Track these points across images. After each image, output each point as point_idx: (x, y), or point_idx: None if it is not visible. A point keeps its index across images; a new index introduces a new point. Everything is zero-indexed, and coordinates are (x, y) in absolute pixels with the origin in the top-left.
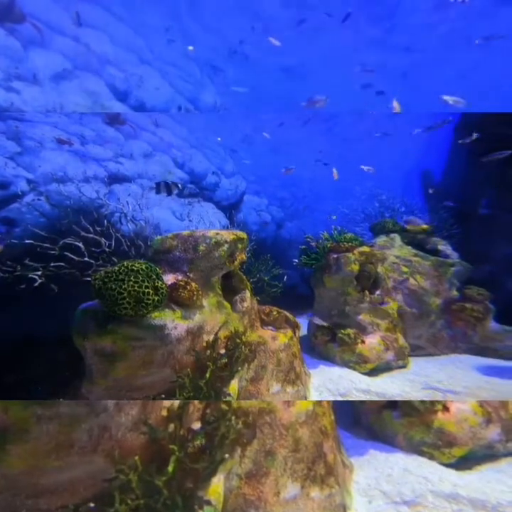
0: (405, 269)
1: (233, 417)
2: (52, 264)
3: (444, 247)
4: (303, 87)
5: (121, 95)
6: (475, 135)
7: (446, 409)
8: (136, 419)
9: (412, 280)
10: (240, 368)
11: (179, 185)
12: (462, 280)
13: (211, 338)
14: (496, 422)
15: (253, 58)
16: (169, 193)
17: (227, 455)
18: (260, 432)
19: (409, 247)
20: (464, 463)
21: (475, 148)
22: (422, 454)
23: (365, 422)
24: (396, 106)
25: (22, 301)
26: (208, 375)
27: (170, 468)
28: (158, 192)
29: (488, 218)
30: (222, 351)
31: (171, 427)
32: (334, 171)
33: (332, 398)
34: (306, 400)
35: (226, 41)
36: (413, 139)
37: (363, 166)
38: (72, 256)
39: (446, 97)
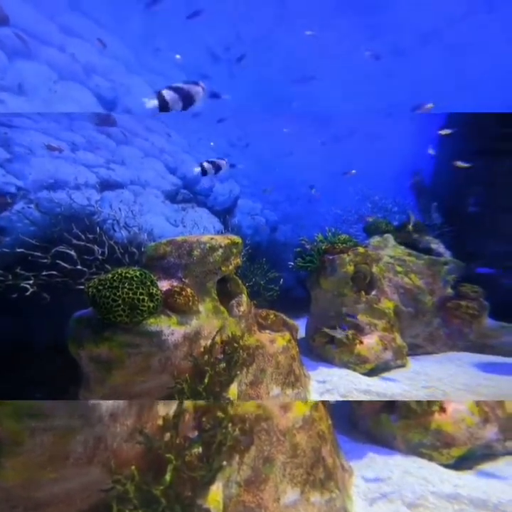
0: (400, 269)
1: (230, 424)
2: (44, 273)
3: (436, 245)
4: (293, 90)
5: (109, 104)
6: (449, 130)
7: (443, 410)
8: (131, 429)
9: (406, 279)
10: (238, 372)
11: (224, 163)
12: (456, 278)
13: (208, 343)
14: (493, 422)
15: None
16: (217, 169)
17: (225, 462)
18: (257, 438)
19: (403, 247)
20: (463, 463)
21: (462, 148)
22: (420, 455)
23: (362, 426)
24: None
25: (14, 311)
26: (206, 380)
27: (167, 477)
28: (204, 174)
29: (477, 216)
30: (220, 356)
31: (167, 435)
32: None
33: (332, 399)
34: (305, 401)
35: (212, 48)
36: (402, 139)
37: (351, 171)
38: (65, 264)
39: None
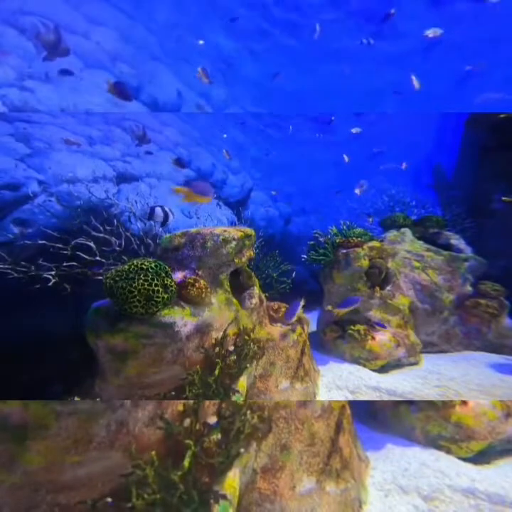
0: (417, 264)
1: (248, 412)
2: (64, 264)
3: (457, 241)
4: (309, 86)
5: (133, 92)
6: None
7: (464, 403)
8: (152, 415)
9: (424, 275)
10: (248, 365)
11: (172, 218)
12: (476, 275)
13: (220, 335)
14: None
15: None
16: (165, 220)
17: (242, 449)
18: (276, 426)
19: (421, 242)
20: (482, 457)
21: (487, 143)
22: (439, 448)
23: (381, 416)
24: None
25: (36, 301)
26: (216, 372)
27: (186, 463)
28: (150, 218)
29: (501, 213)
30: (231, 348)
31: (187, 421)
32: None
33: (342, 396)
34: (315, 397)
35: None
36: (423, 133)
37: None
38: (84, 255)
39: (427, 32)
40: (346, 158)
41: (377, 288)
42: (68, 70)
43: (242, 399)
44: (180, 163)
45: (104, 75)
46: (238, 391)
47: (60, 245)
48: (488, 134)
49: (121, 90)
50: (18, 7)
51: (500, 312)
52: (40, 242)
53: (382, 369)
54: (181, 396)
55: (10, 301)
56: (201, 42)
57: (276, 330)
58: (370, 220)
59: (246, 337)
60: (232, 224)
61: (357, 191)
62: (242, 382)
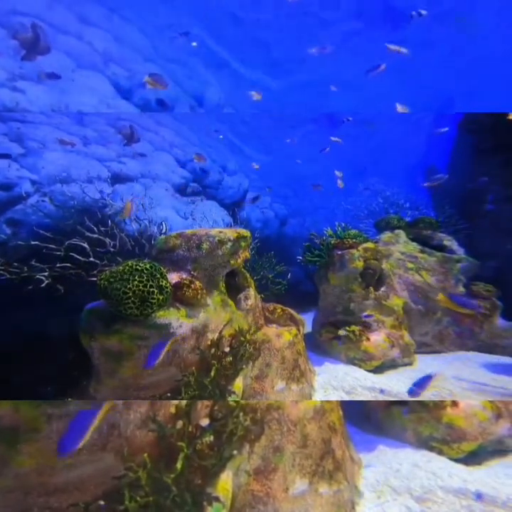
0: (411, 266)
1: (241, 414)
2: (58, 265)
3: (450, 243)
4: (305, 86)
5: (126, 94)
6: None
7: (455, 404)
8: (144, 417)
9: (417, 276)
10: (244, 366)
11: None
12: (469, 276)
13: (216, 336)
14: (505, 417)
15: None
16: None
17: (235, 451)
18: (268, 428)
19: (415, 244)
20: (473, 458)
21: (480, 145)
22: (431, 449)
23: (374, 418)
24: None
25: (29, 302)
26: (212, 374)
27: (178, 465)
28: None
29: (494, 214)
30: (227, 349)
31: (180, 424)
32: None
33: (337, 396)
34: (311, 398)
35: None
36: (416, 135)
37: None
38: (78, 256)
39: (389, 46)
40: (339, 174)
41: (372, 289)
42: (55, 73)
43: (237, 399)
44: (202, 157)
45: (97, 76)
46: (234, 392)
47: (53, 246)
48: (482, 136)
49: (159, 80)
50: (11, 8)
51: (492, 312)
52: (33, 242)
53: (377, 369)
54: (177, 397)
55: (2, 302)
56: (194, 44)
57: (272, 331)
58: (319, 188)
59: (242, 338)
60: (227, 225)
61: (339, 183)
62: (238, 384)
